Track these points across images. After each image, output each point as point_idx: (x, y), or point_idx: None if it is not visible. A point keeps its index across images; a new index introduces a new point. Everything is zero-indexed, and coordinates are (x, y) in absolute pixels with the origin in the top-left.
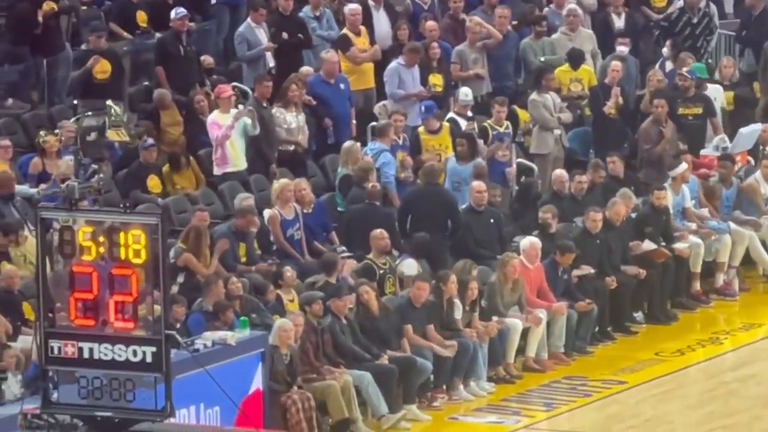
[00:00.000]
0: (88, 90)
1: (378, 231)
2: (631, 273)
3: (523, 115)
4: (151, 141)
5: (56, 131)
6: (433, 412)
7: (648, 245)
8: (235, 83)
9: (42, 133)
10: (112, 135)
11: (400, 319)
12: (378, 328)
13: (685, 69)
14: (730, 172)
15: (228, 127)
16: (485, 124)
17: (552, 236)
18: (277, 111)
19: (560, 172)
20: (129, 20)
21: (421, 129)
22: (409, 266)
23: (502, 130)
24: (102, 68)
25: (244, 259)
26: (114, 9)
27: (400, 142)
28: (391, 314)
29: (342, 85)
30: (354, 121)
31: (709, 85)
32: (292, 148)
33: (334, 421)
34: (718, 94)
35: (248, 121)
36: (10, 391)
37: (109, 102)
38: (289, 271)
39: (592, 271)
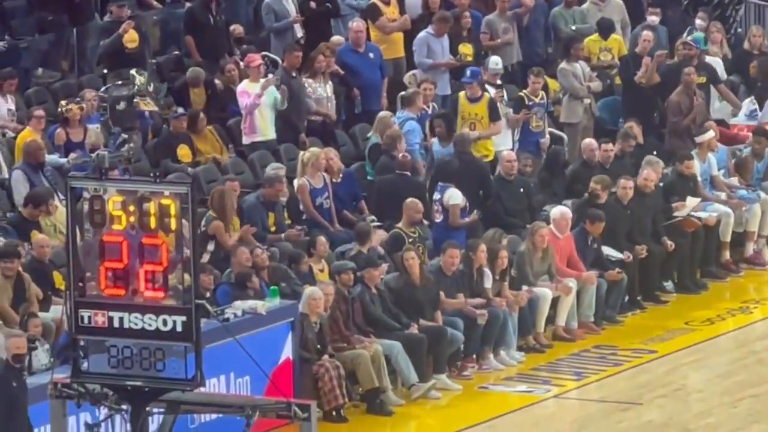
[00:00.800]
0: (118, 59)
1: (413, 201)
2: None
3: (552, 84)
4: (181, 110)
5: (77, 99)
6: (463, 382)
7: (692, 201)
8: (264, 53)
9: (63, 102)
10: (140, 104)
11: (437, 290)
12: (416, 296)
13: (689, 38)
14: (763, 147)
15: (256, 96)
16: (521, 94)
17: (602, 207)
18: (305, 81)
19: (589, 141)
20: None
21: (461, 94)
22: (454, 196)
23: (537, 100)
24: (131, 38)
25: (273, 228)
26: None
27: (429, 110)
28: (432, 284)
29: (372, 54)
30: (384, 92)
31: (708, 57)
32: (320, 117)
33: (364, 390)
34: (718, 66)
35: (278, 95)
36: (38, 361)
37: (132, 71)
38: (322, 241)
39: (629, 257)
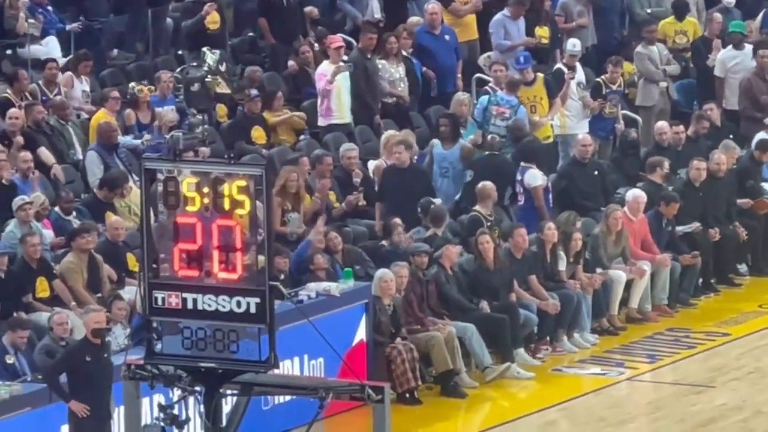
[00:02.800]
0: (199, 40)
1: (489, 184)
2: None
3: (627, 67)
4: (255, 92)
5: (144, 81)
6: (537, 365)
7: None
8: (339, 34)
9: (132, 84)
10: (213, 85)
11: (511, 273)
12: (490, 280)
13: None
14: None
15: (327, 81)
16: (599, 80)
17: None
18: (378, 63)
19: (661, 124)
20: None
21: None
22: (535, 177)
23: (614, 88)
24: (213, 19)
25: (336, 205)
26: None
27: (502, 92)
28: (506, 268)
29: (447, 37)
30: (459, 74)
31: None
32: (394, 99)
33: (438, 373)
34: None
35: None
36: (116, 342)
37: (204, 49)
38: (397, 223)
39: (699, 226)
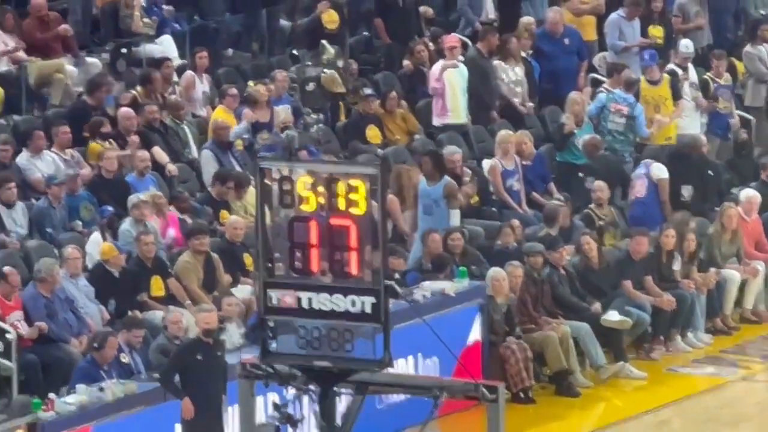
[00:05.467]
0: (315, 40)
1: (601, 183)
2: None
3: (740, 66)
4: (370, 91)
5: (265, 80)
6: (651, 364)
7: None
8: (454, 34)
9: (251, 83)
10: (328, 83)
11: (618, 273)
12: (594, 280)
13: None
14: None
15: (435, 80)
16: (705, 76)
17: None
18: (497, 63)
19: None
20: None
21: (642, 79)
22: (662, 169)
23: (722, 82)
24: (331, 18)
25: None
26: None
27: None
28: (610, 268)
29: (567, 40)
30: (582, 74)
31: None
32: (513, 99)
33: (552, 372)
34: None
35: (465, 74)
36: (231, 341)
37: (324, 41)
38: (516, 224)
39: None
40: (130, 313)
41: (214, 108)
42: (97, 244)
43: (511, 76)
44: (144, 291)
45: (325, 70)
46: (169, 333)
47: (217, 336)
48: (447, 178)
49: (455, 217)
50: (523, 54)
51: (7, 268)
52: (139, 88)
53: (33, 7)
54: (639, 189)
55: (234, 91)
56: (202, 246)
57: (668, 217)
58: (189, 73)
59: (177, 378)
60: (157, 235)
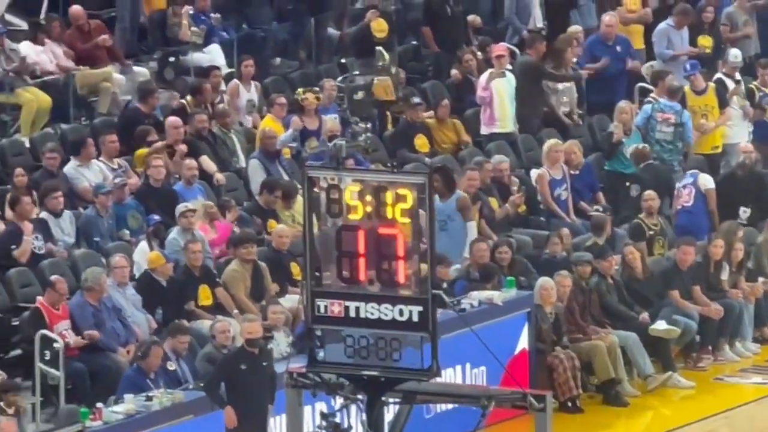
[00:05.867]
0: (363, 49)
1: (651, 192)
2: None
3: None
4: (418, 100)
5: (315, 88)
6: (699, 373)
7: None
8: (502, 43)
9: (300, 90)
10: (378, 91)
11: (664, 283)
12: (639, 290)
13: None
14: None
15: (482, 88)
16: (752, 85)
17: None
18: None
19: None
20: None
21: (687, 89)
22: (709, 179)
23: (767, 91)
24: (380, 27)
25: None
26: None
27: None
28: (654, 277)
29: (619, 48)
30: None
31: None
32: (560, 109)
33: (600, 381)
34: None
35: (513, 82)
36: (278, 349)
37: (379, 47)
38: (565, 233)
39: None
40: (175, 321)
41: (261, 116)
42: (144, 253)
43: (559, 86)
44: (191, 300)
45: (378, 77)
46: (217, 342)
47: (264, 345)
48: (459, 192)
49: (472, 230)
50: (572, 62)
51: (54, 277)
52: (188, 97)
53: (72, 17)
54: (686, 198)
55: (282, 100)
56: (249, 255)
57: (716, 226)
58: (234, 81)
59: (222, 387)
60: (204, 244)
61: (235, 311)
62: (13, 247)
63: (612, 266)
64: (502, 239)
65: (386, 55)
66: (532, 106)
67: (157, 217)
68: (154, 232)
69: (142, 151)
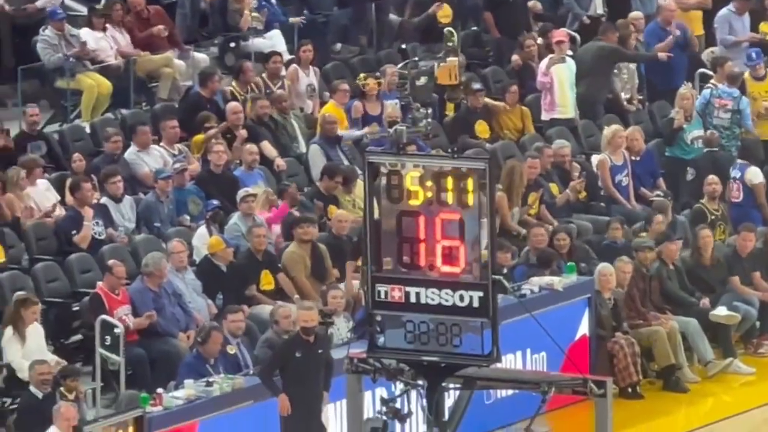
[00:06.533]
0: (427, 35)
1: (714, 177)
2: None
3: None
4: (479, 85)
5: (377, 74)
6: (759, 359)
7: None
8: (563, 29)
9: (362, 75)
10: (442, 76)
11: (727, 269)
12: (705, 276)
13: None
14: None
15: (542, 74)
16: None
17: None
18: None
19: None
20: None
21: (746, 75)
22: (757, 174)
23: None
24: (445, 13)
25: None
26: None
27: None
28: (721, 264)
29: (678, 32)
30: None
31: None
32: (623, 95)
33: (660, 367)
34: None
35: (573, 68)
36: (338, 335)
37: (448, 28)
38: (659, 219)
39: None
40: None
41: (321, 102)
42: (203, 238)
43: (624, 71)
44: (252, 284)
45: (446, 59)
46: (280, 327)
47: (323, 332)
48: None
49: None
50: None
51: (112, 261)
52: (233, 82)
53: (130, 4)
54: (735, 194)
55: (345, 86)
56: (306, 235)
57: (767, 219)
58: (293, 66)
59: (277, 374)
60: (266, 229)
61: (296, 296)
62: (74, 232)
63: (676, 251)
64: (561, 226)
65: (455, 36)
66: (598, 92)
67: (216, 203)
68: (213, 217)
69: (199, 136)
